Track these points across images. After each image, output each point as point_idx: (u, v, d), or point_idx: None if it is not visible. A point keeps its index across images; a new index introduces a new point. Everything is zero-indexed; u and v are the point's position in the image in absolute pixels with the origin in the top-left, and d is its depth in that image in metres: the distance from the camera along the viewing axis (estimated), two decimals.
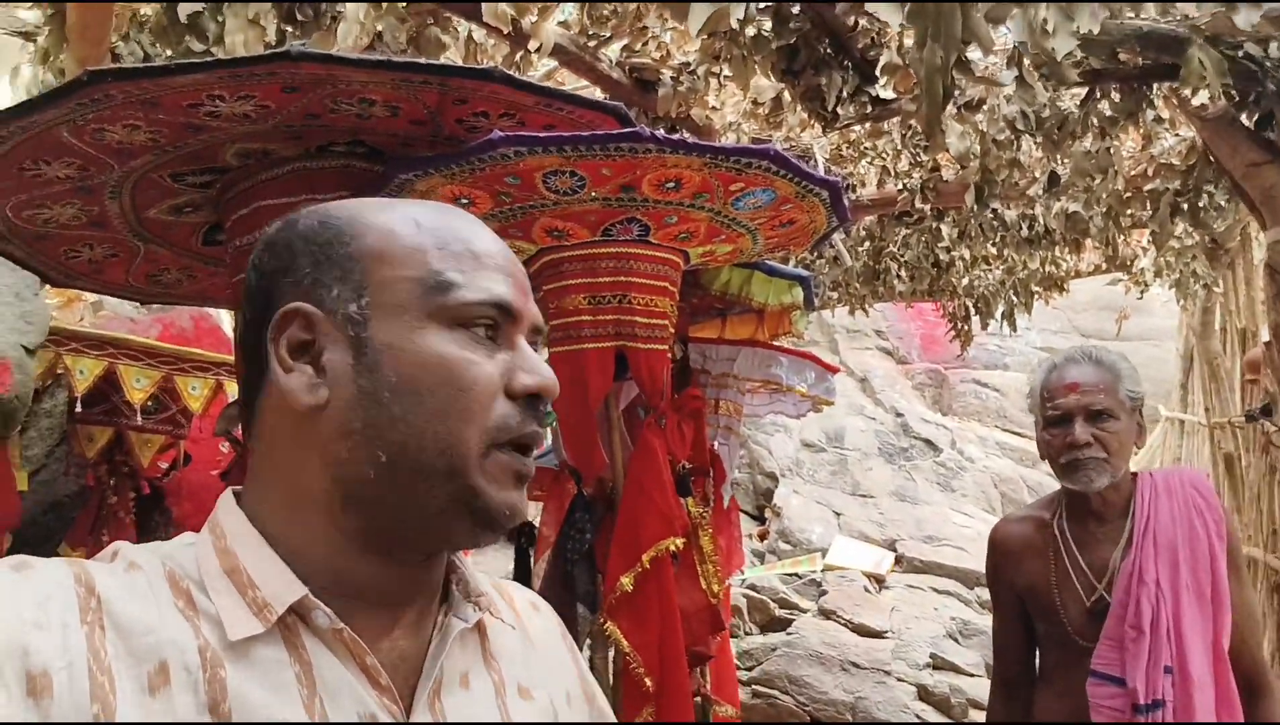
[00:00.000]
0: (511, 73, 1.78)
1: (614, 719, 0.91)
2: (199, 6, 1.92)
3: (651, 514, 2.20)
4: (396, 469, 0.67)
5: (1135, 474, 2.04)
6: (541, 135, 1.84)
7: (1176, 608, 1.90)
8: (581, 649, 2.58)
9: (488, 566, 7.93)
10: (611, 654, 2.32)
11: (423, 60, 1.87)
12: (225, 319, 6.41)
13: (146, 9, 2.52)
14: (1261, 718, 1.96)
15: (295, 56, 1.69)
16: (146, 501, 5.15)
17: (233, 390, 4.37)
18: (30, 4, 2.17)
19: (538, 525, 3.22)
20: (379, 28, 2.21)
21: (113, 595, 0.63)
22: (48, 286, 3.74)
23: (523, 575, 3.62)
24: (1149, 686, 1.87)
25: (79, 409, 4.68)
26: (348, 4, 1.96)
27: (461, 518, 0.68)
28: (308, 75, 1.79)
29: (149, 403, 4.54)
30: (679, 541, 2.21)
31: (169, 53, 2.57)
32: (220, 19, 2.12)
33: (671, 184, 2.03)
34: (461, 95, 1.95)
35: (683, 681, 2.17)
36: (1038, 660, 2.18)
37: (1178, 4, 2.13)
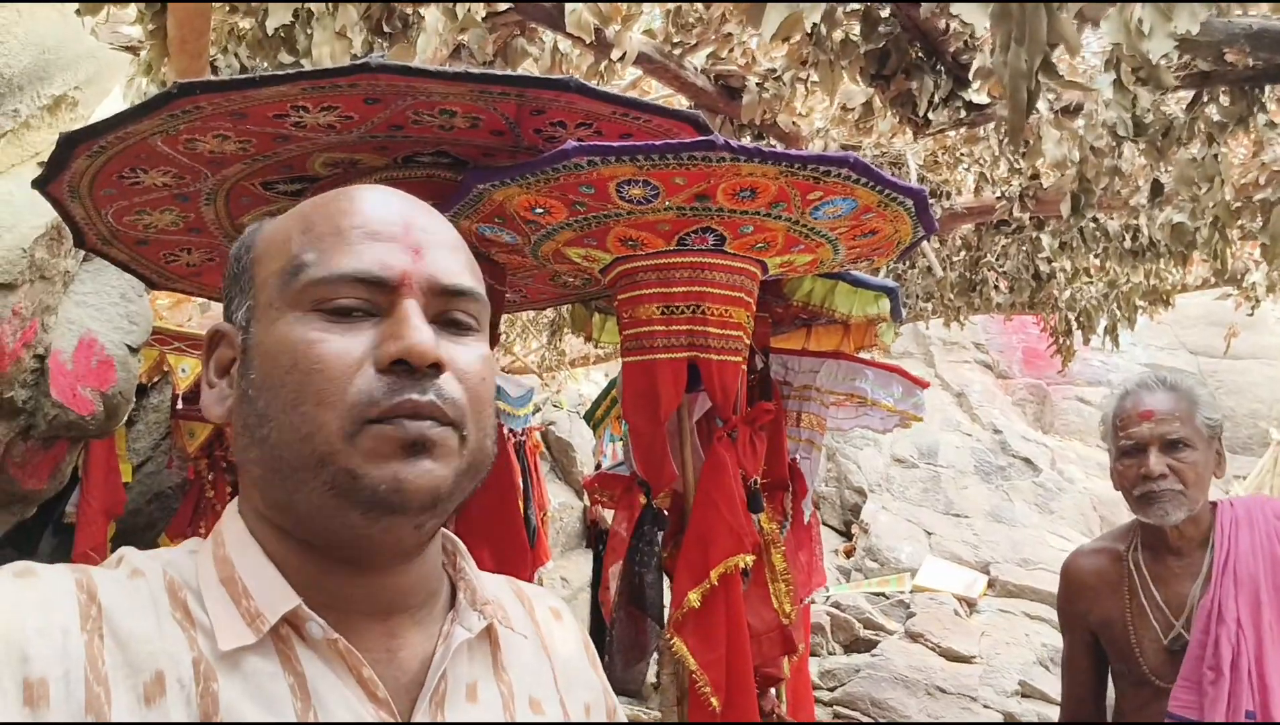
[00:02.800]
0: (587, 82, 1.77)
1: None
2: (286, 20, 1.97)
3: (721, 530, 2.15)
4: (274, 466, 0.66)
5: (1215, 504, 1.92)
6: (614, 145, 1.83)
7: (1259, 648, 1.79)
8: (649, 663, 2.55)
9: (575, 570, 7.96)
10: (677, 670, 2.28)
11: (498, 71, 1.88)
12: None
13: (244, 23, 2.61)
14: None
15: (375, 68, 1.71)
16: None
17: None
18: (133, 19, 2.26)
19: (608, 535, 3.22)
20: (462, 38, 2.23)
21: (114, 604, 0.63)
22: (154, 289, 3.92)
23: (596, 579, 3.61)
24: None
25: (181, 406, 4.91)
26: (427, 15, 1.99)
27: (348, 507, 0.64)
28: (387, 86, 1.82)
29: None
30: (749, 559, 2.16)
31: (265, 64, 2.66)
32: (309, 32, 2.18)
33: (747, 193, 1.99)
34: (539, 106, 1.95)
35: (750, 703, 2.11)
36: (1111, 698, 2.08)
37: None
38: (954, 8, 1.59)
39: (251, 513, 0.70)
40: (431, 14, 1.96)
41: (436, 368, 0.66)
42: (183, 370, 4.62)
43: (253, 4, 2.25)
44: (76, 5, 2.27)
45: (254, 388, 0.67)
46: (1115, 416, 1.94)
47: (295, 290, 0.67)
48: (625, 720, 0.87)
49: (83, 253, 3.50)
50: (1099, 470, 9.34)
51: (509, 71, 2.07)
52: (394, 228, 0.70)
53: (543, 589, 0.90)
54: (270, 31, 2.00)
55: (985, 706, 5.55)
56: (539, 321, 7.42)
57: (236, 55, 2.64)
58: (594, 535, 4.20)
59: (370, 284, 0.67)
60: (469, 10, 1.97)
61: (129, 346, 3.79)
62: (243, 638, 0.63)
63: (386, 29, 2.43)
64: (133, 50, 2.75)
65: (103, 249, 2.70)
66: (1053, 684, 5.77)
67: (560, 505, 8.72)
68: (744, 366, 2.33)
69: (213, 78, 2.05)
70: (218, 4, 2.31)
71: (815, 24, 1.67)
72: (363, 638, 0.67)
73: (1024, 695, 5.69)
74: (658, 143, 1.81)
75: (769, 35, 1.58)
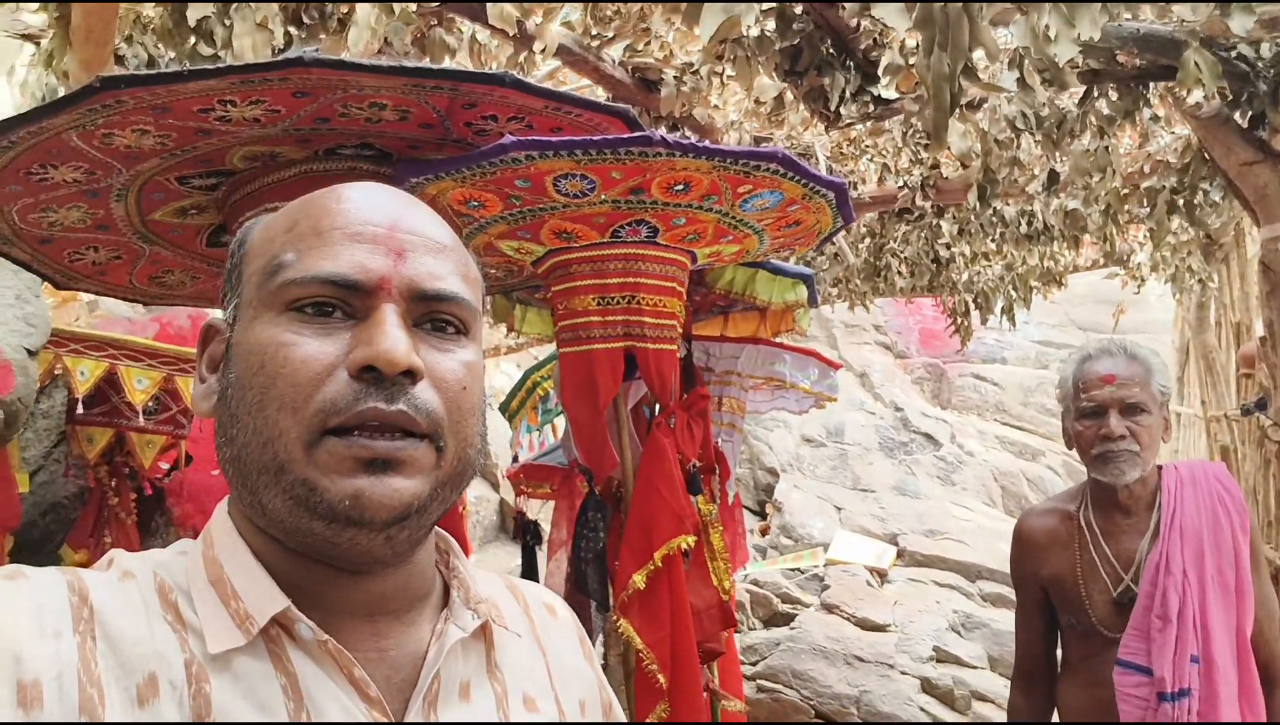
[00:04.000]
0: (522, 77, 1.79)
1: None
2: (209, 10, 1.93)
3: (663, 512, 2.21)
4: (240, 468, 0.65)
5: (1160, 466, 2.06)
6: (553, 140, 1.85)
7: (1203, 597, 1.93)
8: (595, 646, 2.60)
9: (495, 563, 7.93)
10: (624, 651, 2.33)
11: (436, 66, 1.88)
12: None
13: (149, 11, 2.52)
14: (1277, 707, 1.99)
15: (309, 62, 1.69)
16: (148, 502, 5.16)
17: None
18: (35, 6, 2.17)
19: (547, 524, 3.24)
20: (388, 31, 2.21)
21: (105, 606, 0.62)
22: (45, 288, 3.74)
23: (529, 573, 3.64)
24: (1176, 675, 1.89)
25: (80, 410, 4.69)
26: (359, 8, 1.97)
27: (309, 516, 0.63)
28: (319, 80, 1.80)
29: (150, 403, 4.54)
30: (690, 539, 2.23)
31: (171, 54, 2.57)
32: (228, 23, 2.13)
33: (680, 186, 2.04)
34: (472, 99, 1.96)
35: (695, 677, 2.18)
36: (1060, 653, 2.20)
37: (1173, 6, 2.15)
38: (875, 10, 1.68)
39: (238, 513, 0.69)
40: (364, 8, 1.94)
41: (410, 375, 0.64)
42: (82, 373, 4.40)
43: None
44: None
45: (230, 387, 0.66)
46: (1076, 379, 2.02)
47: (271, 290, 0.66)
48: (621, 714, 0.87)
49: None
50: (998, 443, 9.81)
51: (445, 66, 2.07)
52: (377, 229, 0.68)
53: (538, 586, 0.88)
54: (193, 23, 1.94)
55: (902, 673, 5.79)
56: None
57: (143, 45, 2.55)
58: (520, 526, 4.20)
59: (345, 287, 0.65)
60: (403, 5, 1.95)
61: (27, 350, 3.61)
62: (233, 640, 0.62)
63: (305, 20, 2.38)
64: (31, 39, 2.62)
65: (3, 248, 2.58)
66: (965, 648, 6.07)
67: (476, 498, 8.67)
68: (678, 353, 2.39)
69: (139, 72, 1.98)
70: None
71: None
72: (352, 638, 0.66)
73: (939, 660, 5.94)
74: (596, 138, 1.84)
75: (707, 37, 1.63)
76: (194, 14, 1.91)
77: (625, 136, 1.85)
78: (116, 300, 5.28)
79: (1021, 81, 2.08)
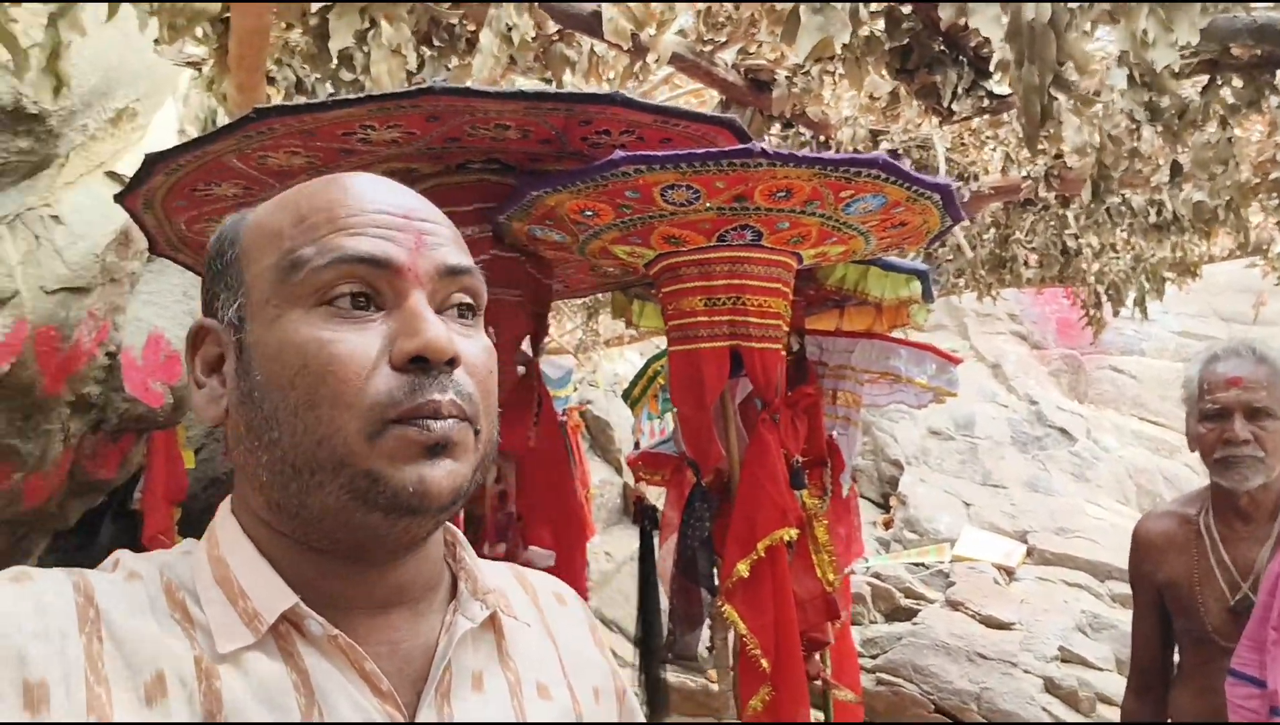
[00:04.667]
0: (630, 95, 1.91)
1: (641, 717, 0.87)
2: (349, 41, 2.13)
3: (766, 505, 2.30)
4: (283, 469, 0.64)
5: None
6: (659, 154, 1.96)
7: None
8: (702, 630, 2.72)
9: (618, 546, 8.15)
10: (731, 636, 2.44)
11: (551, 90, 2.02)
12: None
13: (296, 37, 2.77)
14: None
15: (438, 91, 1.87)
16: None
17: None
18: (199, 41, 2.43)
19: (661, 509, 3.37)
20: (510, 53, 2.37)
21: (111, 605, 0.62)
22: None
23: (646, 556, 3.79)
24: None
25: None
26: (483, 36, 2.13)
27: (368, 509, 0.63)
28: (448, 106, 1.97)
29: None
30: (793, 532, 2.31)
31: (316, 75, 2.82)
32: (365, 49, 2.33)
33: (782, 193, 2.12)
34: (586, 117, 2.10)
35: (797, 664, 2.27)
36: (1175, 657, 2.18)
37: None
38: (973, 19, 1.71)
39: (246, 512, 0.69)
40: (486, 36, 2.11)
41: (452, 363, 0.65)
42: None
43: (311, 23, 2.41)
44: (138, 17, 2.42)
45: (259, 390, 0.65)
46: (1202, 380, 1.99)
47: (295, 284, 0.65)
48: (634, 701, 0.86)
49: (146, 254, 3.71)
50: (1134, 439, 9.36)
51: (559, 89, 2.21)
52: (395, 217, 0.68)
53: (547, 575, 0.89)
54: (334, 53, 2.15)
55: (1026, 671, 5.68)
56: (574, 303, 7.58)
57: (291, 67, 2.80)
58: (639, 510, 4.35)
59: (376, 266, 0.65)
60: (522, 35, 2.11)
61: None
62: (241, 638, 0.63)
63: (436, 41, 2.57)
64: (194, 66, 2.92)
65: (171, 254, 2.90)
66: (1092, 649, 5.89)
67: (601, 482, 8.91)
68: (783, 352, 2.47)
69: (288, 103, 2.21)
70: (275, 20, 2.47)
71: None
72: (362, 632, 0.66)
73: (1064, 660, 5.80)
74: (699, 151, 1.95)
75: (803, 55, 1.70)
76: (335, 44, 2.11)
77: (727, 150, 1.95)
78: None
79: (1131, 80, 2.05)
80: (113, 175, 3.15)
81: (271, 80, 2.77)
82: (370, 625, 0.67)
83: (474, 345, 0.69)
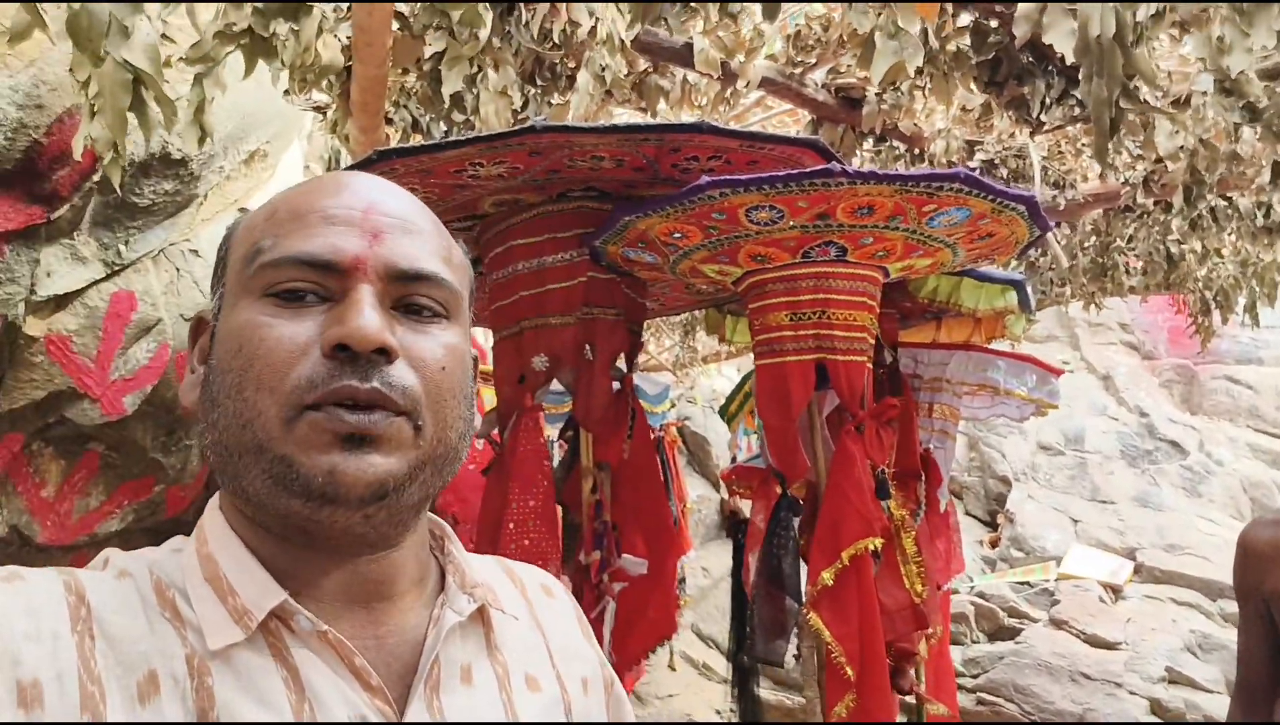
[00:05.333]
0: (717, 122, 2.03)
1: (629, 705, 0.88)
2: (459, 86, 2.32)
3: (850, 515, 2.37)
4: (220, 451, 0.65)
5: None
6: (742, 178, 2.08)
7: None
8: (789, 638, 2.79)
9: (714, 561, 8.20)
10: (816, 643, 2.51)
11: (642, 122, 2.16)
12: (478, 334, 7.18)
13: (411, 80, 2.99)
14: None
15: (540, 130, 2.03)
16: None
17: (489, 397, 4.96)
18: (324, 88, 2.67)
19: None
20: (606, 82, 2.53)
21: (103, 604, 0.63)
22: None
23: (738, 569, 3.86)
24: None
25: None
26: (580, 76, 2.30)
27: (288, 495, 0.63)
28: (549, 142, 2.13)
29: None
30: (878, 542, 2.37)
31: (429, 116, 3.04)
32: (475, 91, 2.52)
33: (865, 210, 2.20)
34: (675, 145, 2.23)
35: (882, 672, 2.32)
36: None
37: None
38: (1046, 37, 1.77)
39: (229, 506, 0.70)
40: (583, 76, 2.27)
41: (385, 354, 0.64)
42: None
43: (425, 68, 2.62)
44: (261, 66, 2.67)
45: (212, 373, 0.67)
46: None
47: (249, 275, 0.67)
48: (624, 691, 0.87)
49: None
50: (1249, 452, 8.91)
51: (650, 121, 2.36)
52: (352, 212, 0.68)
53: (533, 567, 0.89)
54: (447, 96, 2.35)
55: (1131, 693, 5.50)
56: (671, 321, 7.73)
57: (408, 109, 3.03)
58: (733, 525, 4.44)
59: (320, 268, 0.65)
60: (614, 74, 2.26)
61: None
62: (232, 635, 0.63)
63: (539, 80, 2.75)
64: (320, 110, 3.18)
65: None
66: (1201, 671, 5.66)
67: (698, 498, 8.99)
68: (869, 364, 2.54)
69: (405, 145, 2.42)
70: (392, 68, 2.68)
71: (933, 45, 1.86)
72: (350, 627, 0.67)
73: (1171, 682, 5.59)
74: (780, 174, 2.05)
75: (878, 79, 1.79)
76: (447, 89, 2.30)
77: (807, 171, 2.05)
78: None
79: (1219, 84, 2.06)
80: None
81: (389, 121, 3.00)
82: (358, 620, 0.67)
83: (427, 341, 0.68)
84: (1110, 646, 5.94)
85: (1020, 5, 1.72)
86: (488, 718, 0.69)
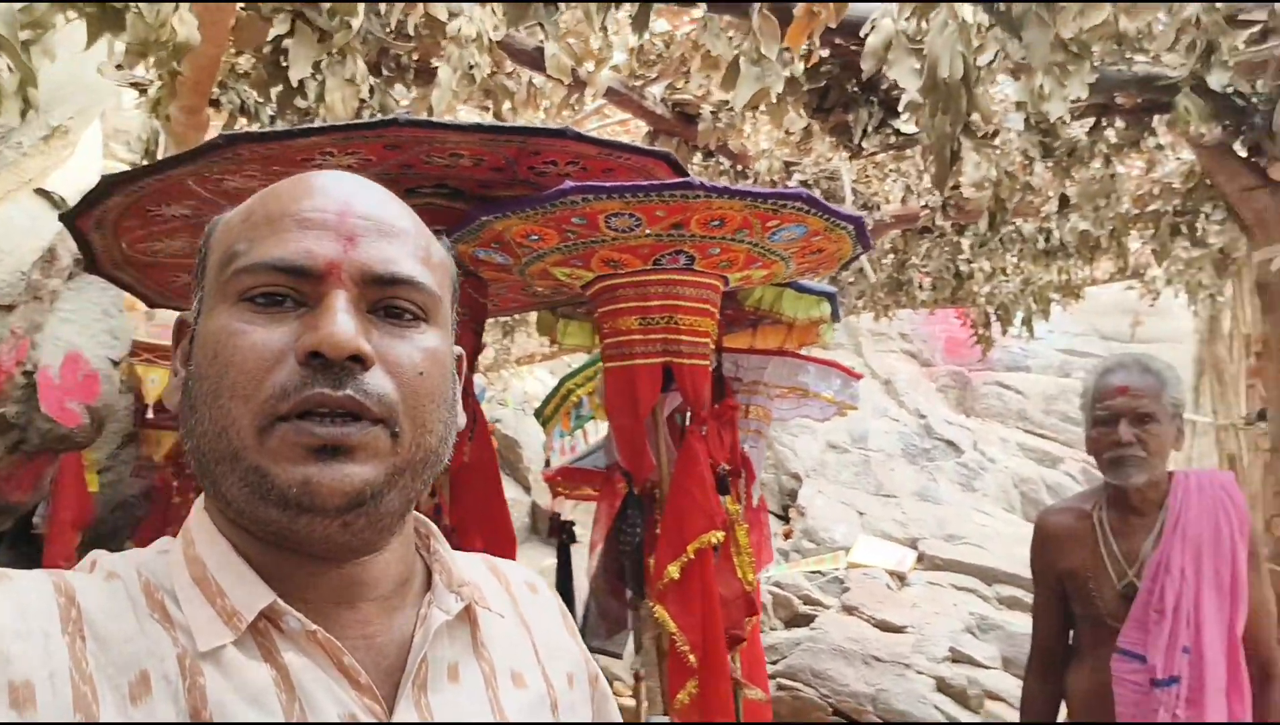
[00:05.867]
0: (581, 131, 2.08)
1: (614, 699, 0.89)
2: (307, 72, 2.23)
3: (695, 511, 2.49)
4: (199, 458, 0.65)
5: (1172, 473, 2.24)
6: (607, 185, 2.14)
7: (1198, 595, 2.09)
8: (628, 628, 2.87)
9: (526, 562, 8.19)
10: (658, 634, 2.61)
11: (509, 124, 2.18)
12: None
13: (243, 61, 2.84)
14: (1271, 701, 2.16)
15: (403, 123, 2.00)
16: None
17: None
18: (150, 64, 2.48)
19: (580, 524, 3.52)
20: (476, 80, 2.51)
21: (92, 605, 0.63)
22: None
23: (564, 570, 3.92)
24: (1167, 664, 2.07)
25: (151, 415, 5.03)
26: (440, 71, 2.27)
27: (265, 504, 0.63)
28: (410, 136, 2.10)
29: None
30: (720, 535, 2.50)
31: (259, 100, 2.89)
32: (319, 78, 2.43)
33: (716, 222, 2.32)
34: (537, 148, 2.26)
35: (722, 658, 2.46)
36: (1072, 637, 2.38)
37: (1163, 56, 2.40)
38: (891, 72, 1.94)
39: (215, 508, 0.69)
40: (445, 71, 2.24)
41: (360, 361, 0.63)
42: (152, 381, 4.76)
43: (264, 52, 2.50)
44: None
45: (191, 378, 0.67)
46: (1095, 390, 2.22)
47: (225, 280, 0.66)
48: (608, 686, 0.88)
49: (68, 271, 3.66)
50: (1018, 450, 10.01)
51: (515, 124, 2.37)
52: (327, 215, 0.67)
53: (518, 564, 0.89)
54: (295, 82, 2.25)
55: (919, 673, 6.02)
56: (488, 322, 7.67)
57: (236, 91, 2.87)
58: (555, 527, 4.49)
59: (294, 273, 0.65)
60: (483, 73, 2.25)
61: (111, 360, 3.94)
62: (221, 636, 0.63)
63: (384, 72, 2.69)
64: (138, 87, 2.95)
65: (113, 272, 2.90)
66: (980, 650, 6.29)
67: (510, 500, 8.95)
68: (711, 368, 2.67)
69: (255, 130, 2.30)
70: (233, 48, 2.54)
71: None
72: (337, 626, 0.67)
73: (954, 661, 6.17)
74: (644, 183, 2.13)
75: (741, 104, 1.90)
76: (295, 74, 2.21)
77: (671, 182, 2.14)
78: (171, 311, 5.65)
79: (1028, 122, 2.34)
80: (42, 192, 3.13)
81: (215, 104, 2.83)
82: (345, 619, 0.67)
83: (404, 345, 0.67)
84: (898, 630, 6.48)
85: (869, 41, 1.88)
86: (475, 715, 0.70)
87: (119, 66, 2.34)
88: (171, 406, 0.70)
